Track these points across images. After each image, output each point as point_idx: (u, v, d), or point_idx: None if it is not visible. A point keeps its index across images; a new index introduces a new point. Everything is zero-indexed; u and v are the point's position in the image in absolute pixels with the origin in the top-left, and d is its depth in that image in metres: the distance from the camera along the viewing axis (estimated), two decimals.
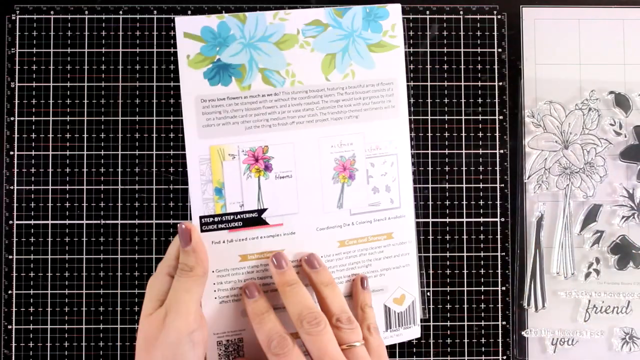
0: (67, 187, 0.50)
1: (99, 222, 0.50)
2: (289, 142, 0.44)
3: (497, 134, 0.51)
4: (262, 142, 0.43)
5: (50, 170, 0.50)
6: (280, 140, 0.44)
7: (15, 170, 0.50)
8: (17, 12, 0.50)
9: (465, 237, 0.51)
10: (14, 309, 0.49)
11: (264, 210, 0.44)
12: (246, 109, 0.43)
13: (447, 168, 0.51)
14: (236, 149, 0.43)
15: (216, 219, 0.43)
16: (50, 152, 0.50)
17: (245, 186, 0.43)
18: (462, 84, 0.51)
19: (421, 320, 0.49)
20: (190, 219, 0.43)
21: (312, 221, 0.44)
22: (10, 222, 0.50)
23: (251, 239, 0.43)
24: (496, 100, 0.51)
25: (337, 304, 0.41)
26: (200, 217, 0.43)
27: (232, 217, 0.43)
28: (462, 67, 0.51)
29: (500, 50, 0.51)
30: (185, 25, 0.43)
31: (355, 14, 0.44)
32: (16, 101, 0.50)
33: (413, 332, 0.47)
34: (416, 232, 0.48)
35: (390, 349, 0.50)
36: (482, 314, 0.50)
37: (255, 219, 0.43)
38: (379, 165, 0.46)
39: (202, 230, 0.43)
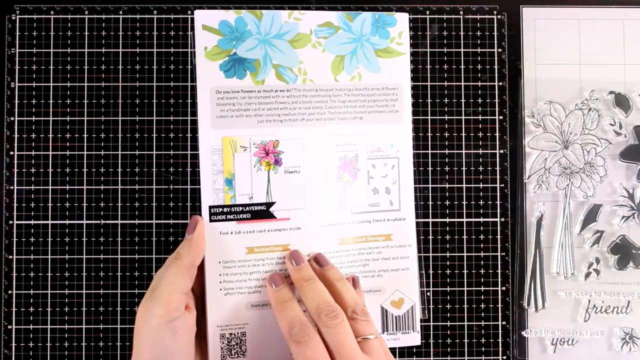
0: (67, 187, 0.50)
1: (99, 222, 0.50)
2: (299, 138, 0.44)
3: (497, 134, 0.51)
4: (273, 136, 0.44)
5: (50, 170, 0.50)
6: (290, 136, 0.44)
7: (15, 170, 0.50)
8: (17, 12, 0.50)
9: (465, 237, 0.51)
10: (14, 309, 0.49)
11: (272, 203, 0.44)
12: (259, 103, 0.44)
13: (447, 168, 0.51)
14: (248, 142, 0.44)
15: (225, 210, 0.43)
16: (50, 152, 0.50)
17: (255, 179, 0.44)
18: (462, 84, 0.51)
19: (421, 320, 0.49)
20: (200, 212, 0.43)
21: (316, 217, 0.45)
22: (10, 222, 0.50)
23: (258, 232, 0.44)
24: (496, 100, 0.51)
25: (351, 297, 0.42)
26: (210, 207, 0.43)
27: (241, 208, 0.44)
28: (462, 67, 0.51)
29: (500, 50, 0.51)
30: (205, 18, 0.44)
31: (364, 19, 0.46)
32: (16, 101, 0.50)
33: (412, 339, 0.47)
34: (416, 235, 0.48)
35: (390, 349, 0.50)
36: (482, 314, 0.50)
37: (263, 212, 0.44)
38: (379, 166, 0.46)
39: (210, 220, 0.43)
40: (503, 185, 0.51)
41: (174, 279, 0.40)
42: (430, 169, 0.51)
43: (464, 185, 0.51)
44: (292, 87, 0.44)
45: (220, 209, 0.43)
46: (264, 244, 0.44)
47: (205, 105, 0.43)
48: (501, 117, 0.51)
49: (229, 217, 0.43)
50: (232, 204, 0.44)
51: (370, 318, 0.41)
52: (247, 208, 0.44)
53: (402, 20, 0.46)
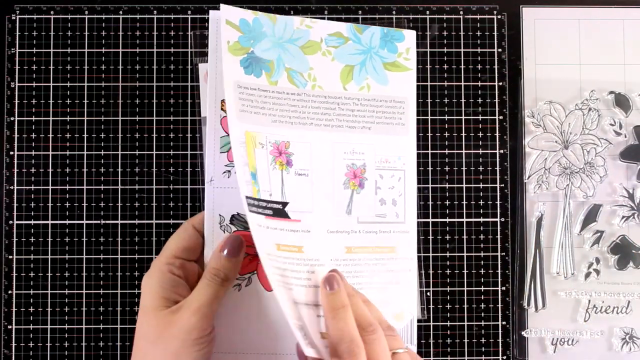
0: (67, 187, 0.50)
1: (99, 222, 0.50)
2: (307, 142, 0.44)
3: (497, 134, 0.51)
4: (285, 137, 0.44)
5: (50, 170, 0.50)
6: (299, 139, 0.45)
7: (15, 170, 0.50)
8: (17, 12, 0.50)
9: (465, 237, 0.51)
10: (14, 309, 0.49)
11: (287, 203, 0.44)
12: (273, 103, 0.44)
13: (447, 168, 0.51)
14: (264, 139, 0.44)
15: (255, 202, 0.42)
16: (50, 152, 0.50)
17: (272, 176, 0.44)
18: (462, 84, 0.51)
19: (420, 321, 0.49)
20: (201, 211, 0.43)
21: (324, 222, 0.44)
22: (10, 222, 0.50)
23: (280, 230, 0.43)
24: (496, 100, 0.51)
25: (375, 313, 0.41)
26: (247, 197, 0.41)
27: (265, 204, 0.43)
28: (462, 67, 0.51)
29: (500, 50, 0.51)
30: (228, 13, 0.44)
31: (373, 33, 0.47)
32: (16, 101, 0.50)
33: None
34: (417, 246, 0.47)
35: None
36: (482, 314, 0.50)
37: (280, 211, 0.43)
38: (387, 178, 0.46)
39: (250, 211, 0.41)
40: (503, 185, 0.51)
41: (218, 295, 0.41)
42: (430, 169, 0.51)
43: (464, 185, 0.51)
44: (302, 92, 0.45)
45: (252, 201, 0.42)
46: (285, 242, 0.43)
47: (230, 98, 0.43)
48: (501, 117, 0.51)
49: (258, 210, 0.43)
50: (258, 197, 0.43)
51: (396, 332, 0.40)
52: (269, 205, 0.43)
53: (409, 37, 0.47)
